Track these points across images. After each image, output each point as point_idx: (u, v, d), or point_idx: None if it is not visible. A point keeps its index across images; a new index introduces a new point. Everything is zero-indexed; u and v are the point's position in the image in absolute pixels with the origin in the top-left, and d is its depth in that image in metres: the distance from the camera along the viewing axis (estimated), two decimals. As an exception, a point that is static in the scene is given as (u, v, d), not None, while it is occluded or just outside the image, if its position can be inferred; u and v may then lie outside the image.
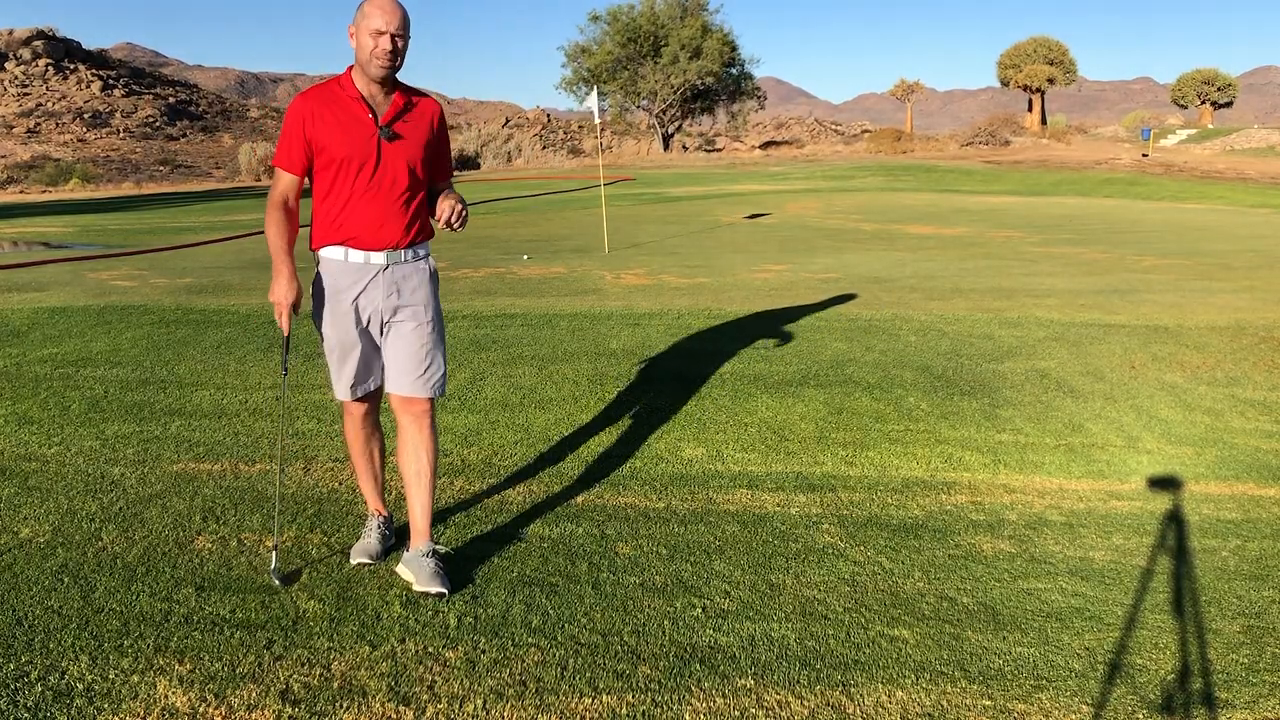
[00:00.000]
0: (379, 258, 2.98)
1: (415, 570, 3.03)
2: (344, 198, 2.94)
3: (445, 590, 2.96)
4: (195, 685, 2.49)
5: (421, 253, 3.09)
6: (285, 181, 2.98)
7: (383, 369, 3.11)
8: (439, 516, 3.55)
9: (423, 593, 2.96)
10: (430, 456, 3.11)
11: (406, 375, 3.05)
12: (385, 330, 3.06)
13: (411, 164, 2.96)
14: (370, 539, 3.26)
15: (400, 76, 2.97)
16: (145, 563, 3.18)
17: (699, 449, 4.38)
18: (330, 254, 3.00)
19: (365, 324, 3.04)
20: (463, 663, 2.63)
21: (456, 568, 3.15)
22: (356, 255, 2.98)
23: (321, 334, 3.08)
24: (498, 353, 6.02)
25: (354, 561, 3.19)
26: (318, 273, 3.05)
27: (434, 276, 3.13)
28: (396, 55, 2.86)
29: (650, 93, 47.83)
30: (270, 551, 3.22)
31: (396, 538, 3.35)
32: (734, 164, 38.61)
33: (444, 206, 2.97)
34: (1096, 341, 6.37)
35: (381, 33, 2.83)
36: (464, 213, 2.97)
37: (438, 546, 3.12)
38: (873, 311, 7.32)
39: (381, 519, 3.33)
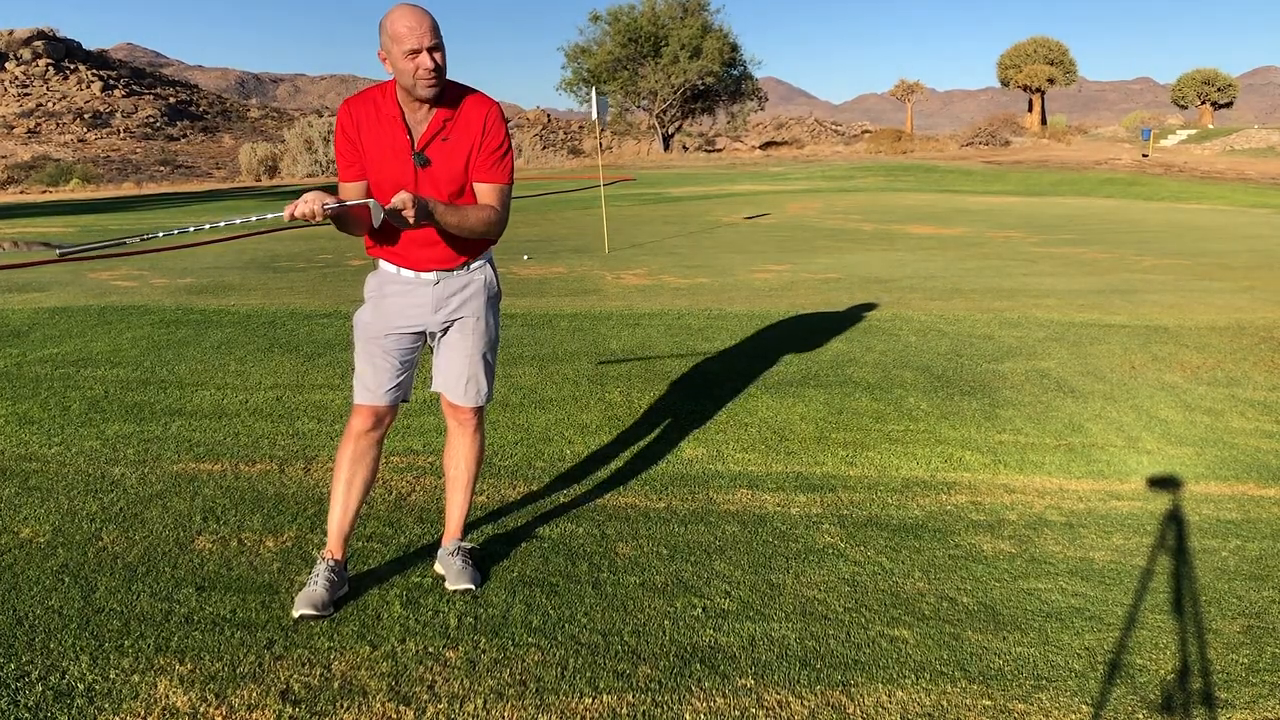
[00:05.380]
0: (429, 275, 2.93)
1: (445, 568, 3.12)
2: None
3: (472, 586, 3.02)
4: (196, 685, 2.49)
5: (475, 264, 2.97)
6: (351, 191, 2.84)
7: (401, 387, 3.00)
8: (437, 515, 3.55)
9: (453, 590, 3.01)
10: (470, 463, 3.15)
11: (451, 384, 3.05)
12: (436, 343, 3.03)
13: (452, 185, 2.82)
14: (316, 586, 2.87)
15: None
16: (146, 563, 3.18)
17: (699, 449, 4.38)
18: (384, 265, 2.96)
19: (402, 331, 2.96)
20: (463, 662, 2.63)
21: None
22: (407, 272, 2.93)
23: (355, 331, 3.00)
24: (498, 352, 6.02)
25: (296, 613, 2.81)
26: (371, 273, 3.03)
27: (490, 290, 3.02)
28: (439, 70, 2.68)
29: (650, 93, 47.84)
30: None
31: (351, 586, 3.02)
32: (734, 164, 38.61)
33: (402, 198, 2.62)
34: (1096, 341, 6.37)
35: (417, 52, 2.64)
36: (410, 215, 2.62)
37: (464, 543, 3.18)
38: (873, 311, 7.32)
39: (333, 563, 2.95)
